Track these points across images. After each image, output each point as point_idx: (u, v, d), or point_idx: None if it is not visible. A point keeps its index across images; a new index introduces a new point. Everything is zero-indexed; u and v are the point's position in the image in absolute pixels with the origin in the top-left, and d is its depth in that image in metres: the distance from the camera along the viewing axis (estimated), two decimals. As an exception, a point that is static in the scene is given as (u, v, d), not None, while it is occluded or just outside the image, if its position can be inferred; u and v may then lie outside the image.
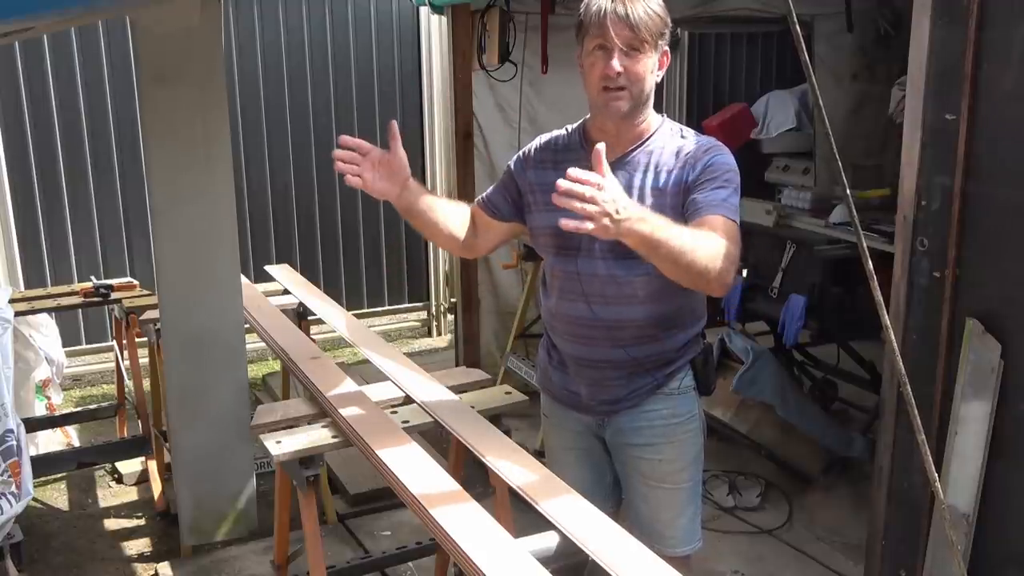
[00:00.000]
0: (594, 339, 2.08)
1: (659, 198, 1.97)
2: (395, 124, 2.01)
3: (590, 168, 1.98)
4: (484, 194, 2.25)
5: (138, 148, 4.85)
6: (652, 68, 1.94)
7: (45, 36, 4.76)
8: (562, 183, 1.60)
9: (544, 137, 2.18)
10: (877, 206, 3.85)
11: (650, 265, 1.97)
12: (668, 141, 2.02)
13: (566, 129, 2.15)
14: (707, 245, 1.79)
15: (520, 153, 2.20)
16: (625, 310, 2.04)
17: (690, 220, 1.91)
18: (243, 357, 3.41)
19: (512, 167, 2.20)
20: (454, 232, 2.15)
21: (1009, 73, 1.97)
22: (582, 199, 1.60)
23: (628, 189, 1.97)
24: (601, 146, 1.68)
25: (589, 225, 1.61)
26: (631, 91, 1.93)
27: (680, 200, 1.96)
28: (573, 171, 1.62)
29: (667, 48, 1.97)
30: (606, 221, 1.62)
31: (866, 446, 3.76)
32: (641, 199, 1.97)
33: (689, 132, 2.06)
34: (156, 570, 3.30)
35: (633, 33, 1.88)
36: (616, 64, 1.90)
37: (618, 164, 2.00)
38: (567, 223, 1.62)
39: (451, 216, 2.15)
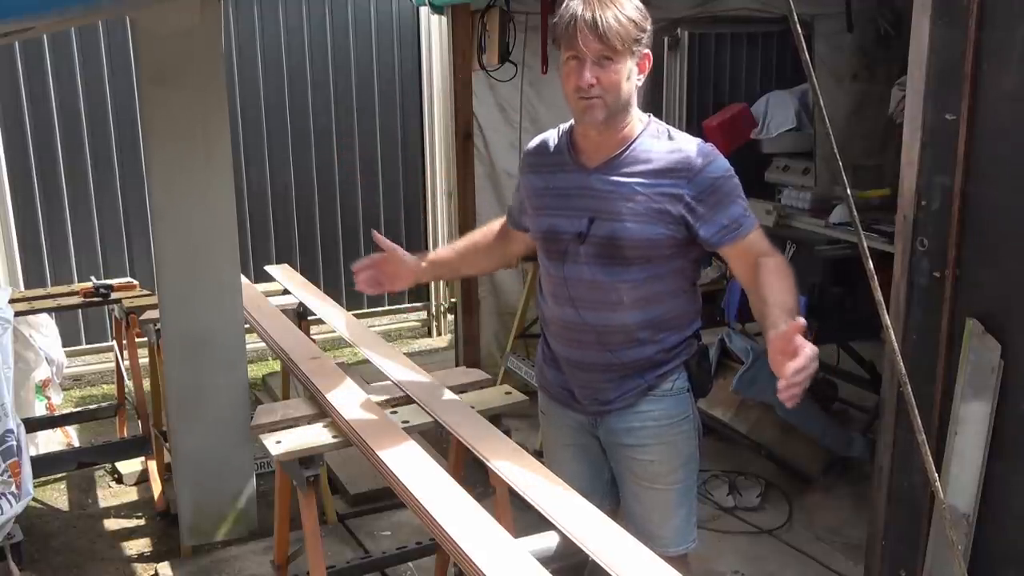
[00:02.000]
0: (583, 343, 2.09)
1: (644, 201, 1.96)
2: (375, 233, 2.26)
3: (580, 174, 2.03)
4: (509, 208, 2.35)
5: (138, 148, 4.86)
6: (628, 74, 1.92)
7: (45, 36, 4.76)
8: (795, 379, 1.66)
9: (534, 141, 2.20)
10: (877, 206, 3.85)
11: (635, 271, 1.99)
12: (655, 143, 2.00)
13: (558, 130, 2.15)
14: (792, 288, 1.94)
15: (520, 162, 2.25)
16: (611, 315, 2.04)
17: (729, 243, 1.98)
18: (243, 357, 3.41)
19: (520, 180, 2.25)
20: (485, 266, 2.48)
21: (1009, 73, 1.97)
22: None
23: (615, 192, 1.98)
24: (800, 324, 1.69)
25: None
26: (606, 100, 1.91)
27: (673, 207, 1.95)
28: (795, 370, 1.65)
29: (647, 51, 1.95)
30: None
31: (866, 446, 3.76)
32: (628, 200, 1.97)
33: (677, 133, 2.03)
34: (156, 570, 3.30)
35: (603, 44, 1.85)
36: (588, 75, 1.88)
37: (604, 169, 2.00)
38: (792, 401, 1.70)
39: (474, 259, 2.39)
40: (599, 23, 1.84)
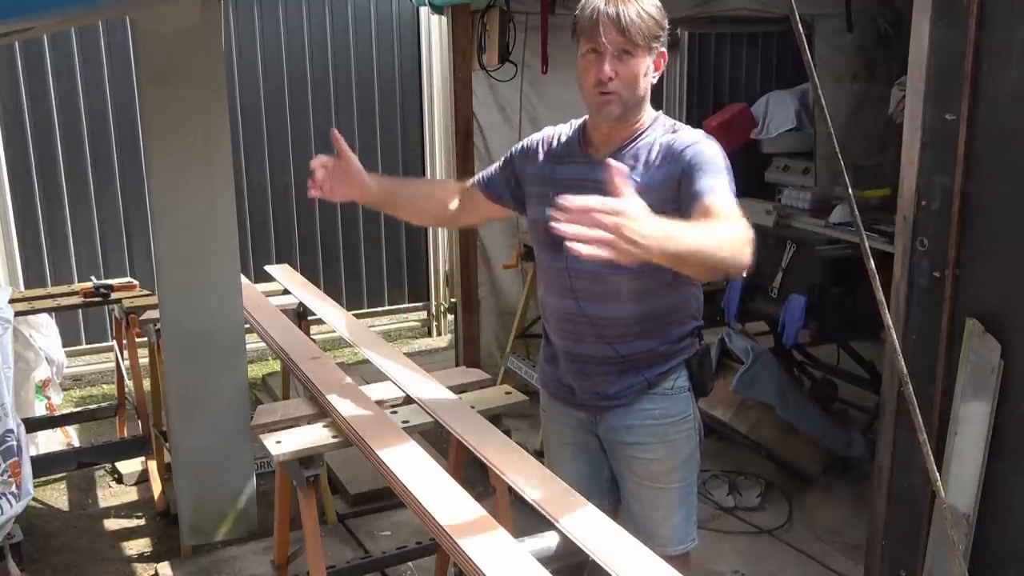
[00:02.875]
0: (582, 335, 2.10)
1: (644, 194, 1.96)
2: (335, 132, 2.07)
3: (586, 166, 2.01)
4: (483, 174, 2.28)
5: (138, 148, 4.86)
6: (646, 70, 1.95)
7: (45, 36, 4.76)
8: (567, 208, 1.42)
9: (549, 131, 2.20)
10: (877, 206, 3.85)
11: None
12: (659, 136, 2.02)
13: (570, 125, 2.17)
14: (722, 237, 1.70)
15: (523, 144, 2.21)
16: (610, 307, 2.05)
17: (691, 208, 1.85)
18: (243, 357, 3.40)
19: (514, 156, 2.22)
20: (425, 215, 2.34)
21: (1009, 73, 1.97)
22: (596, 226, 1.41)
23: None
24: (616, 163, 1.53)
25: (600, 252, 1.42)
26: (622, 94, 1.94)
27: (669, 195, 1.95)
28: (573, 200, 1.43)
29: (663, 50, 1.97)
30: (627, 246, 1.44)
31: (866, 446, 3.76)
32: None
33: (681, 126, 2.06)
34: (156, 570, 3.30)
35: (624, 37, 1.88)
36: (607, 69, 1.90)
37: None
38: (578, 249, 1.42)
39: (419, 200, 2.30)
40: (621, 17, 1.87)
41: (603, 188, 1.97)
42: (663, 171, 1.97)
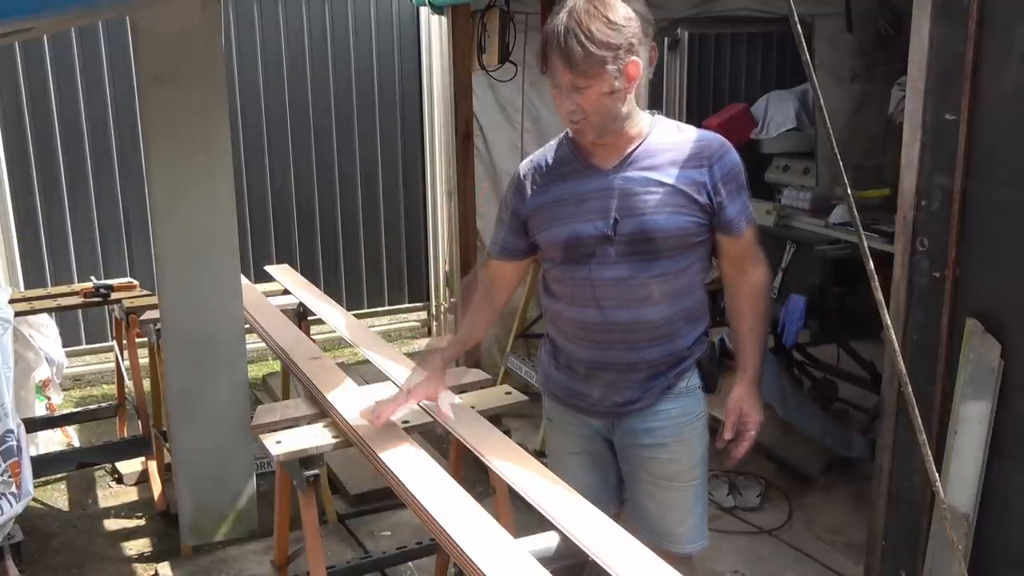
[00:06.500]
0: (608, 343, 2.08)
1: (669, 192, 1.98)
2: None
3: (598, 177, 2.03)
4: (497, 247, 2.22)
5: (138, 148, 4.86)
6: (611, 90, 1.90)
7: (45, 36, 4.76)
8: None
9: (527, 163, 2.17)
10: (877, 206, 3.85)
11: (665, 264, 2.00)
12: (665, 137, 2.02)
13: (551, 144, 2.15)
14: (764, 313, 2.15)
15: (510, 192, 2.18)
16: (640, 312, 2.04)
17: (729, 233, 2.04)
18: (243, 357, 3.41)
19: (511, 209, 2.17)
20: (490, 322, 2.34)
21: (1009, 73, 1.97)
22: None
23: (639, 187, 1.99)
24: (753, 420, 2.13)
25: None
26: (591, 120, 1.94)
27: (698, 194, 1.98)
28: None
29: (634, 59, 1.91)
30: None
31: (866, 446, 3.76)
32: (652, 193, 1.98)
33: (686, 127, 2.06)
34: (156, 570, 3.31)
35: (574, 73, 1.89)
36: (567, 104, 1.93)
37: (622, 167, 2.01)
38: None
39: (478, 331, 2.32)
40: (570, 55, 1.87)
41: (620, 194, 2.00)
42: (689, 174, 1.98)
